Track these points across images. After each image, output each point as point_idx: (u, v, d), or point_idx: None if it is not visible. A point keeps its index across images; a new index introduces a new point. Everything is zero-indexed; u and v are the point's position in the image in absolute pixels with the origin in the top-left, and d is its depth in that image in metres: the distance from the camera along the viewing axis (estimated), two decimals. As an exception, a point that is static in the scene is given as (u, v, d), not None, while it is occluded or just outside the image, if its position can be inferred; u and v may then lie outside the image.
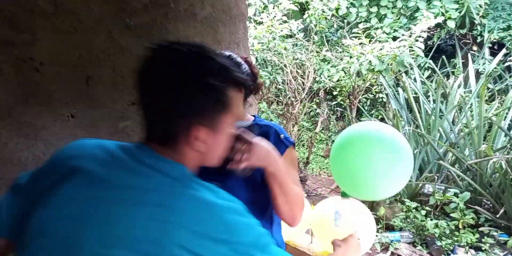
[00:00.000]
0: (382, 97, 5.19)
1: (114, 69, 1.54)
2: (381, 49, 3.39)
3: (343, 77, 4.18)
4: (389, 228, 3.39)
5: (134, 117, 1.61)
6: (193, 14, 1.75)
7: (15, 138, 1.30)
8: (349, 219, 1.34)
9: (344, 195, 1.35)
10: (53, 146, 1.40)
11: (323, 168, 6.47)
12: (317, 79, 4.71)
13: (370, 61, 3.40)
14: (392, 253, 3.11)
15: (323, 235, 1.78)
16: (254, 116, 1.25)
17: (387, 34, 4.96)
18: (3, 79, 1.27)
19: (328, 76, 4.48)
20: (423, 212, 3.22)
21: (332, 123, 6.89)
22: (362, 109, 4.57)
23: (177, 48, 0.70)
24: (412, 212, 3.25)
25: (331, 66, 4.46)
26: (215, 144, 0.74)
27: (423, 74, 4.97)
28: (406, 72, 4.64)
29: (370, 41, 3.62)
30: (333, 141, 7.01)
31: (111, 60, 1.52)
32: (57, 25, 1.36)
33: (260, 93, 5.17)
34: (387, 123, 4.62)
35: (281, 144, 1.12)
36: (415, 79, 4.08)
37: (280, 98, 4.89)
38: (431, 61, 5.01)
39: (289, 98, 4.58)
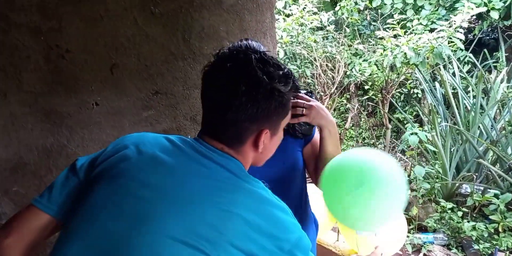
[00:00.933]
0: (417, 93, 4.96)
1: (138, 57, 1.52)
2: (417, 40, 3.21)
3: (376, 71, 4.01)
4: (422, 229, 3.22)
5: (157, 106, 1.59)
6: (219, 2, 1.70)
7: (40, 125, 1.32)
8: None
9: None
10: (77, 134, 1.41)
11: (353, 166, 6.31)
12: (347, 73, 4.56)
13: (405, 53, 3.23)
14: (424, 255, 2.96)
15: (349, 233, 1.70)
16: None
17: (424, 26, 4.71)
18: (32, 66, 1.29)
19: (360, 70, 4.31)
20: (460, 214, 3.03)
21: (363, 119, 6.69)
22: (396, 104, 4.37)
23: (243, 55, 0.73)
24: (447, 213, 3.08)
25: (363, 60, 4.28)
26: (271, 146, 0.80)
27: (462, 68, 4.70)
28: (445, 66, 4.40)
29: (405, 32, 3.44)
30: (363, 138, 6.81)
31: (136, 48, 1.51)
32: (84, 13, 1.36)
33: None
34: (422, 119, 4.41)
35: None
36: (453, 74, 3.85)
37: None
38: (471, 55, 4.72)
39: (318, 92, 4.47)
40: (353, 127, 7.16)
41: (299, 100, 1.03)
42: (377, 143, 5.63)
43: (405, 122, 5.37)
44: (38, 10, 1.26)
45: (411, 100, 5.53)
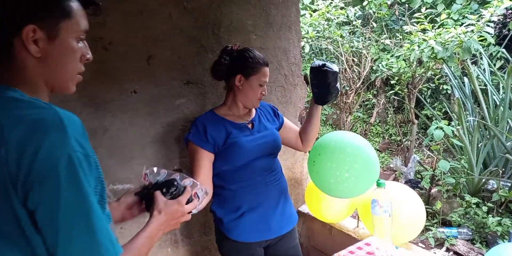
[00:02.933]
0: (446, 89, 4.87)
1: (172, 49, 1.66)
2: (445, 35, 3.17)
3: (404, 66, 3.98)
4: (446, 223, 3.21)
5: (188, 95, 1.72)
6: (247, -3, 1.81)
7: (87, 109, 1.47)
8: (387, 208, 1.33)
9: (379, 184, 1.35)
10: (118, 118, 1.56)
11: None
12: (374, 68, 4.55)
13: (432, 48, 3.21)
14: (447, 249, 2.95)
15: (370, 219, 1.77)
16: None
17: (454, 21, 4.62)
18: (79, 57, 1.44)
19: (387, 65, 4.29)
20: (485, 209, 3.00)
21: (390, 115, 6.62)
22: (423, 100, 4.32)
23: None
24: (472, 208, 3.05)
25: (390, 55, 4.26)
26: (54, 52, 0.71)
27: (494, 64, 4.56)
28: (476, 62, 4.30)
29: (433, 27, 3.41)
30: (390, 134, 6.75)
31: (170, 41, 1.64)
32: (126, 8, 1.50)
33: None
34: (449, 115, 4.32)
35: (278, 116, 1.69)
36: (484, 70, 3.77)
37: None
38: (504, 50, 4.58)
39: (343, 87, 4.49)
40: (379, 123, 7.10)
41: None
42: (403, 139, 5.59)
43: (434, 118, 5.29)
44: (86, 6, 1.41)
45: (439, 96, 5.43)
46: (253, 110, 1.60)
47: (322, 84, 1.47)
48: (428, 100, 5.47)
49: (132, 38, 1.54)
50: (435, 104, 5.53)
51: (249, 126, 1.55)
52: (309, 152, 1.60)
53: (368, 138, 6.98)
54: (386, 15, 4.72)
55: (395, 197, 1.51)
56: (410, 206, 1.56)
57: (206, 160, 1.43)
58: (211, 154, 1.44)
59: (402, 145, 5.37)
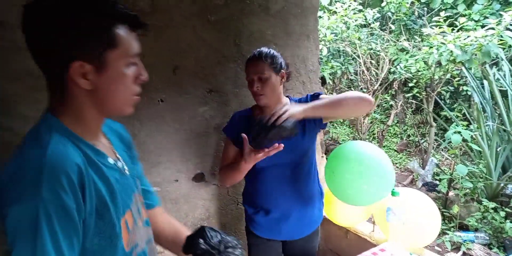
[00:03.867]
0: (466, 90, 4.82)
1: (196, 60, 1.74)
2: (465, 38, 3.16)
3: (422, 68, 3.97)
4: (463, 227, 3.22)
5: (211, 103, 1.81)
6: (266, 8, 1.88)
7: (116, 117, 1.57)
8: (401, 216, 1.39)
9: (394, 194, 1.41)
10: (146, 125, 1.66)
11: (396, 163, 6.25)
12: (391, 70, 4.55)
13: (451, 51, 3.20)
14: (464, 253, 2.96)
15: (385, 224, 1.81)
16: (287, 96, 1.61)
17: (475, 21, 4.56)
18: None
19: (405, 67, 4.29)
20: (503, 214, 3.00)
21: (408, 116, 6.57)
22: (440, 102, 4.30)
23: None
24: (490, 212, 3.05)
25: (410, 56, 4.25)
26: (104, 83, 0.70)
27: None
28: (497, 63, 4.24)
29: (452, 30, 3.39)
30: (408, 135, 6.70)
31: (194, 52, 1.73)
32: (154, 22, 1.59)
33: (331, 83, 5.15)
34: (467, 118, 4.29)
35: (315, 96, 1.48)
36: (505, 74, 3.72)
37: (352, 89, 4.82)
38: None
39: (361, 89, 4.50)
40: (397, 124, 7.05)
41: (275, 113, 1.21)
42: (422, 140, 5.55)
43: (452, 120, 5.24)
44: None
45: (460, 98, 5.37)
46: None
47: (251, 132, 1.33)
48: (448, 101, 5.42)
49: (159, 50, 1.64)
50: (455, 105, 5.48)
51: None
52: (327, 158, 1.66)
53: (386, 138, 6.97)
54: (405, 15, 4.70)
55: (410, 204, 1.56)
56: (425, 213, 1.61)
57: (232, 152, 1.52)
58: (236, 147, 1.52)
59: (420, 146, 5.34)
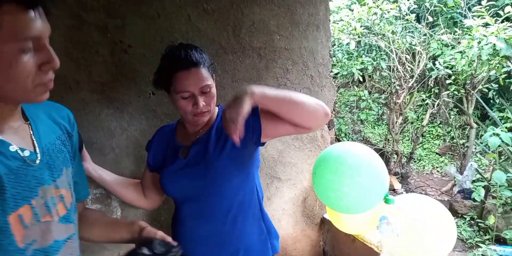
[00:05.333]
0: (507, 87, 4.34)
1: (192, 51, 1.66)
2: (510, 30, 2.81)
3: (463, 64, 3.60)
4: (500, 241, 2.89)
5: (208, 96, 1.72)
6: (270, -4, 1.75)
7: (106, 110, 1.54)
8: (396, 227, 1.21)
9: (387, 201, 1.23)
10: (136, 119, 1.61)
11: (437, 167, 5.82)
12: (428, 66, 4.19)
13: (494, 44, 2.86)
14: (498, 269, 2.66)
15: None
16: (218, 106, 1.27)
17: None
18: (100, 60, 1.50)
19: (445, 62, 3.93)
20: (547, 228, 2.65)
21: (452, 117, 6.09)
22: (481, 102, 3.89)
23: None
24: (532, 226, 2.71)
25: (451, 49, 3.86)
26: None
27: None
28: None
29: (496, 21, 3.03)
30: (452, 137, 6.21)
31: (189, 42, 1.63)
32: (144, 11, 1.53)
33: (362, 80, 4.87)
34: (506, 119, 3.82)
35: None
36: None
37: (385, 86, 4.53)
38: None
39: (394, 86, 4.21)
40: (440, 125, 6.56)
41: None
42: (466, 143, 5.12)
43: (502, 121, 4.76)
44: (105, 10, 1.46)
45: (510, 97, 4.86)
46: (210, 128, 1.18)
47: None
48: (498, 101, 4.93)
49: (151, 40, 1.57)
50: (508, 103, 4.96)
51: (184, 151, 1.17)
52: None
53: (427, 140, 6.52)
54: (451, 8, 4.29)
55: (413, 213, 1.37)
56: (431, 224, 1.41)
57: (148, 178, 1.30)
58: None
59: (464, 150, 4.92)
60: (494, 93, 4.31)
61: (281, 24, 1.80)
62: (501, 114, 4.47)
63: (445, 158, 6.03)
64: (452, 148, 6.13)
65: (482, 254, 2.74)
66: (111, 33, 1.49)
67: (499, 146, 2.63)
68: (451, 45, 4.29)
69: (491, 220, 2.82)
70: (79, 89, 1.46)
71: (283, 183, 2.04)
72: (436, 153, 6.20)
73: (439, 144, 6.41)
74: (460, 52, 3.99)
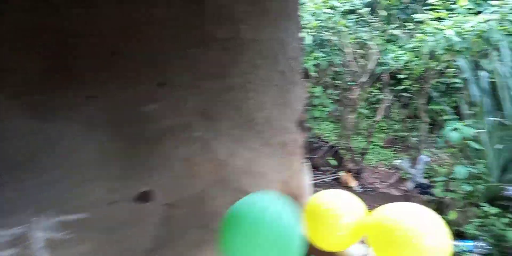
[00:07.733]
0: (455, 82, 4.54)
1: (142, 43, 1.34)
2: (464, 24, 2.83)
3: (413, 58, 3.64)
4: (460, 235, 2.94)
5: (162, 99, 1.41)
6: (235, -23, 1.47)
7: (29, 120, 1.16)
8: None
9: None
10: (69, 131, 1.25)
11: (382, 160, 5.99)
12: (380, 61, 4.21)
13: (448, 38, 2.87)
14: (462, 264, 2.69)
15: (382, 247, 1.47)
16: None
17: (468, 9, 4.27)
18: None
19: (395, 57, 3.95)
20: (505, 220, 2.72)
21: (396, 111, 6.29)
22: (431, 96, 4.00)
23: None
24: (490, 218, 2.77)
25: (399, 46, 3.92)
26: None
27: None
28: (486, 55, 3.96)
29: (449, 15, 3.06)
30: (394, 130, 6.43)
31: (141, 32, 1.32)
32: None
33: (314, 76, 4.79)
34: (461, 112, 4.00)
35: None
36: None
37: (338, 82, 4.48)
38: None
39: (347, 82, 4.16)
40: (384, 119, 6.77)
41: None
42: (409, 135, 5.29)
43: (443, 114, 4.97)
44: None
45: (448, 91, 5.10)
46: None
47: None
48: (436, 95, 5.15)
49: (93, 29, 1.22)
50: (444, 98, 5.20)
51: None
52: None
53: (373, 135, 6.70)
54: (393, 3, 4.34)
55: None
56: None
57: None
58: None
59: (409, 142, 5.07)
60: (442, 88, 4.46)
61: (249, 10, 1.54)
62: (439, 107, 4.64)
63: (389, 151, 6.24)
64: (394, 140, 6.36)
65: (446, 249, 2.75)
66: (39, 17, 1.12)
67: (462, 140, 2.64)
68: (394, 41, 4.35)
69: (452, 215, 2.85)
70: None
71: (253, 195, 1.79)
72: (381, 147, 6.39)
73: (383, 137, 6.62)
74: (400, 47, 4.05)
